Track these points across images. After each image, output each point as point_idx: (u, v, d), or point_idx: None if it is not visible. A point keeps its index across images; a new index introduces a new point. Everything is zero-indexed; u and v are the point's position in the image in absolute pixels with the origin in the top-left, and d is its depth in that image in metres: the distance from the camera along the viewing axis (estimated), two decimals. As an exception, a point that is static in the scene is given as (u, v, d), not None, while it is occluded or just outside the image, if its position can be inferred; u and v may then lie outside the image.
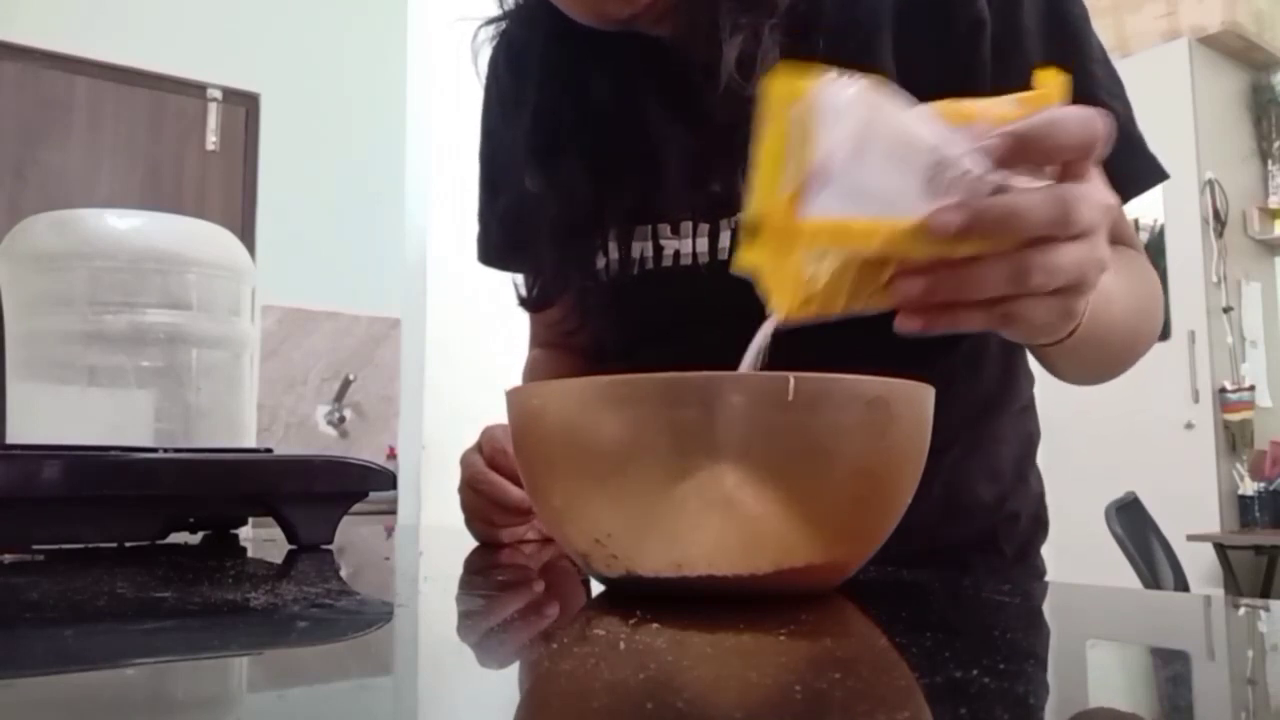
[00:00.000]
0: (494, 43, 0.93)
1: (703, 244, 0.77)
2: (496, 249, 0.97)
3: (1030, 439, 0.94)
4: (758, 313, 0.50)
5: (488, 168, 0.96)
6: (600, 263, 0.80)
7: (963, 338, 0.79)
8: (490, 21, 0.91)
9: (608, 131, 0.79)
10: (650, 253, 0.79)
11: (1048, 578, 1.11)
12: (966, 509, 0.84)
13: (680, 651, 0.39)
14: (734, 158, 0.61)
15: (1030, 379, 0.94)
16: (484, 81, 0.96)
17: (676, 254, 0.78)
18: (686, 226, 0.77)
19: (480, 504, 0.81)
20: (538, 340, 1.03)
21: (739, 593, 0.46)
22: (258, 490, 0.82)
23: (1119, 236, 0.74)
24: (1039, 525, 0.93)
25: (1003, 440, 0.89)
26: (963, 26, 0.71)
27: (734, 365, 0.49)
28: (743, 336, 0.50)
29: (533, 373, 1.01)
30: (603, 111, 0.79)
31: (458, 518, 0.86)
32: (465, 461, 0.83)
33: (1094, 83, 0.73)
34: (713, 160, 0.74)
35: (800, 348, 0.49)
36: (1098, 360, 0.76)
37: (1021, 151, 0.47)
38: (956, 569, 0.80)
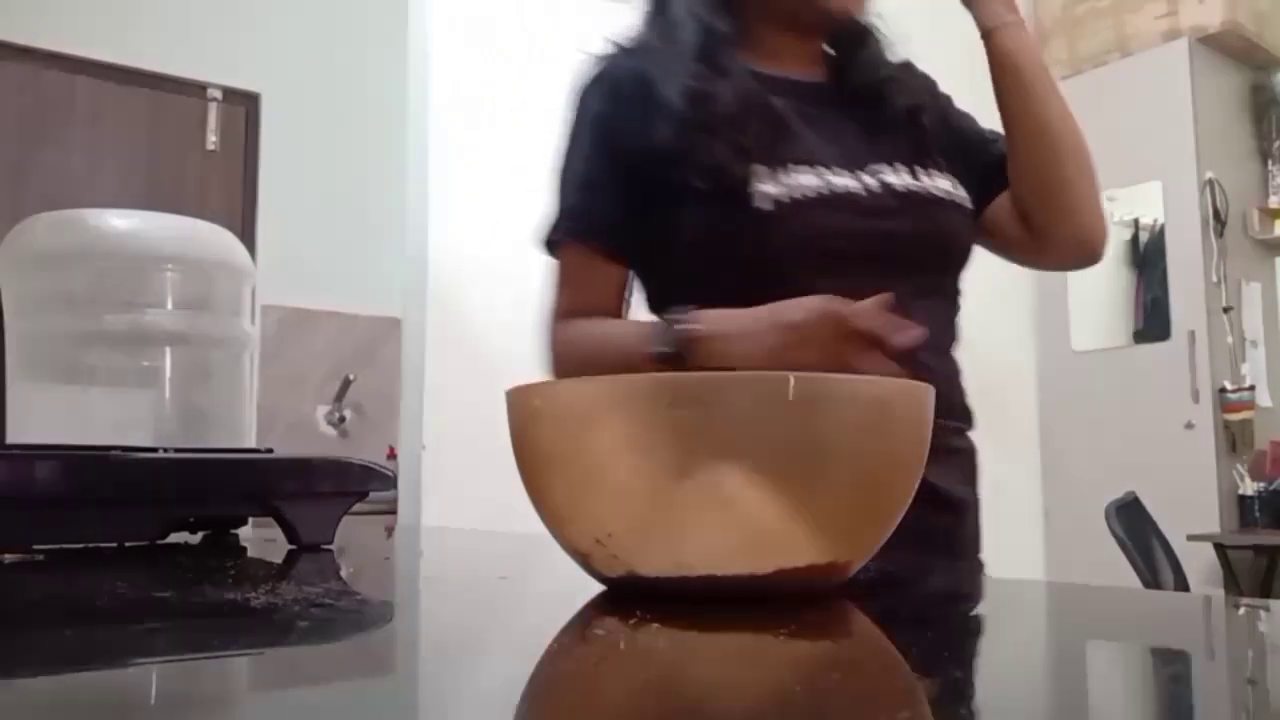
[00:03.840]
0: (597, 72, 1.09)
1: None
2: (601, 220, 1.05)
3: None
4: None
5: (599, 160, 1.05)
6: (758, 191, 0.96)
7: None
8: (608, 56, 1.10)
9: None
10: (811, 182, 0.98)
11: (1049, 578, 1.10)
12: None
13: (680, 651, 0.39)
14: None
15: None
16: (582, 104, 1.08)
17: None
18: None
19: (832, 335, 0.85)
20: (572, 310, 1.06)
21: (739, 593, 0.46)
22: (258, 490, 0.82)
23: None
24: None
25: None
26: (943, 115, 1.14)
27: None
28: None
29: (586, 334, 1.04)
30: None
31: (458, 518, 0.86)
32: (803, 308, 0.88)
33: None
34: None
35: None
36: (1063, 110, 1.04)
37: None
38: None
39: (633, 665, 0.36)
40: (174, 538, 0.84)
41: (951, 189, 1.04)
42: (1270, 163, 3.89)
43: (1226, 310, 3.61)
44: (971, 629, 0.48)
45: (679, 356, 0.91)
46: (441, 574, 0.77)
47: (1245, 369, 3.64)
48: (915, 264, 1.00)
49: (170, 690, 0.35)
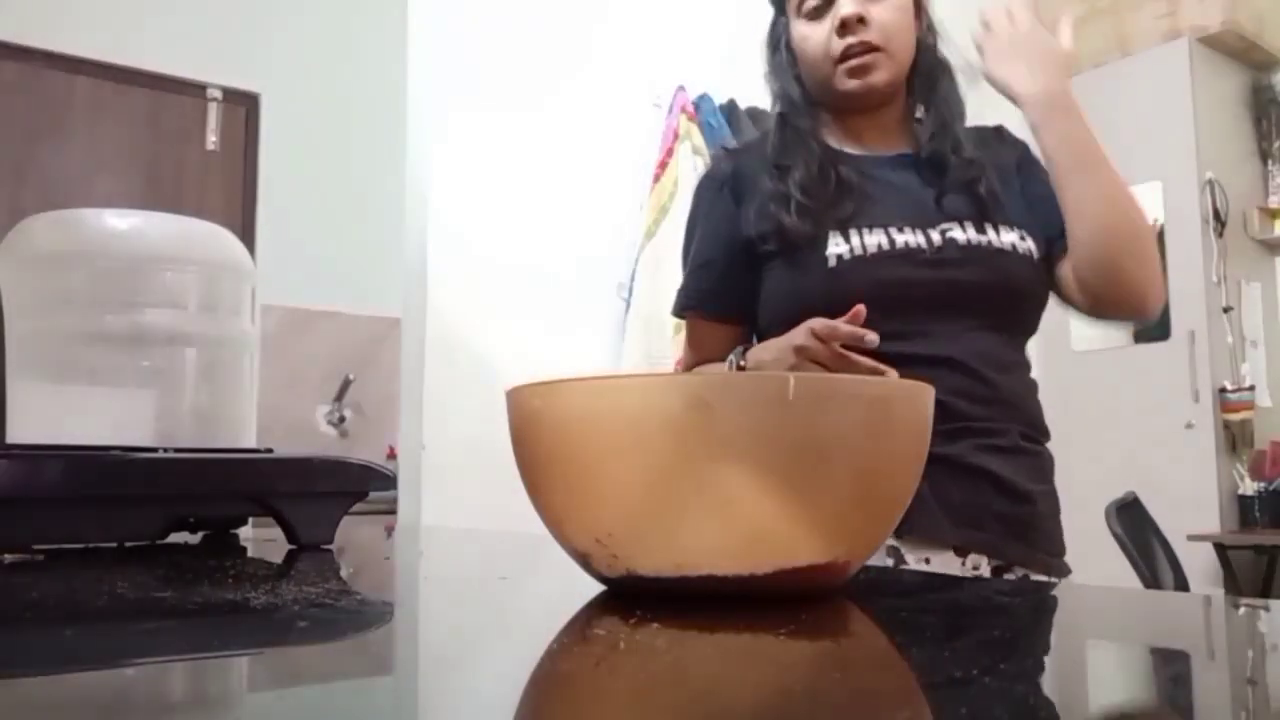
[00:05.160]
0: (714, 167, 1.37)
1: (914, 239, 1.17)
2: (709, 292, 1.28)
3: None
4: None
5: (708, 243, 1.29)
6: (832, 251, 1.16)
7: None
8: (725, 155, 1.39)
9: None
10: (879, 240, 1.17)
11: (1052, 578, 1.11)
12: None
13: (680, 651, 0.39)
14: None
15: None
16: (698, 197, 1.33)
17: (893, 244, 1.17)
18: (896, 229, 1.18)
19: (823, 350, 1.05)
20: (693, 364, 1.30)
21: (739, 593, 0.46)
22: (258, 490, 0.82)
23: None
24: None
25: None
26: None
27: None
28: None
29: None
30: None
31: (458, 518, 0.86)
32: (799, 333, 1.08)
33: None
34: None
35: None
36: (1100, 192, 1.15)
37: None
38: None
39: (633, 665, 0.36)
40: (174, 538, 0.84)
41: (1018, 241, 1.17)
42: (1270, 163, 3.89)
43: (1226, 310, 3.61)
44: (971, 629, 0.48)
45: None
46: (441, 574, 0.77)
47: (1245, 369, 3.64)
48: (977, 304, 1.14)
49: (170, 690, 0.35)
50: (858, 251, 1.14)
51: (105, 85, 3.63)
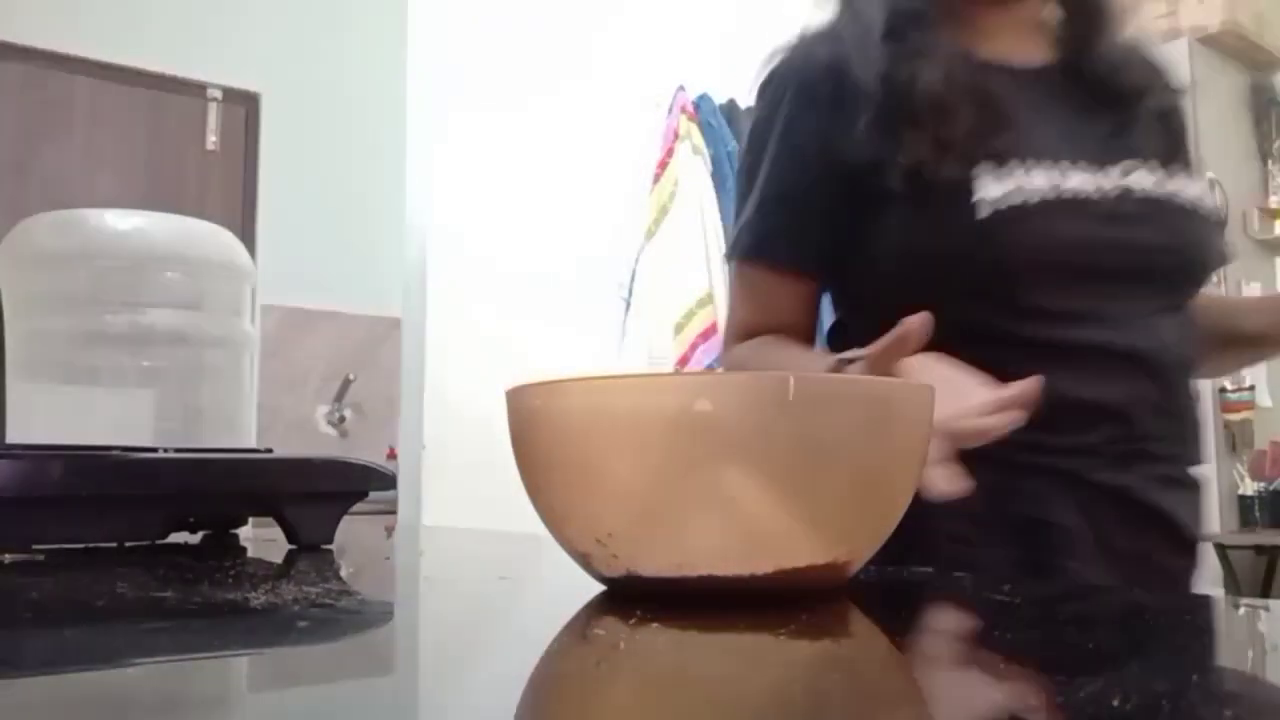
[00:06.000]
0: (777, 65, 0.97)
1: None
2: (784, 234, 0.94)
3: None
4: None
5: (788, 167, 0.94)
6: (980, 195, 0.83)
7: None
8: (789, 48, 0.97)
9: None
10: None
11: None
12: None
13: (680, 651, 0.39)
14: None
15: None
16: (768, 103, 0.96)
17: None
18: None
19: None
20: (753, 327, 0.97)
21: (739, 593, 0.46)
22: (258, 490, 0.82)
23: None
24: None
25: None
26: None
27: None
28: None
29: (760, 360, 0.93)
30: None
31: (458, 518, 0.86)
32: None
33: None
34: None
35: None
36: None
37: None
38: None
39: (633, 665, 0.36)
40: (174, 538, 0.84)
41: (1202, 196, 0.90)
42: (1270, 163, 3.89)
43: (1226, 310, 3.61)
44: (970, 629, 0.48)
45: None
46: (441, 574, 0.77)
47: (1245, 369, 3.64)
48: (1157, 280, 0.87)
49: (170, 690, 0.35)
50: (1017, 199, 0.83)
51: (105, 85, 3.63)
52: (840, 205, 0.89)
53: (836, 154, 0.88)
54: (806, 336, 0.97)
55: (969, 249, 0.83)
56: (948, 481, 0.62)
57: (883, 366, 0.69)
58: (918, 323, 0.67)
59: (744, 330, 0.97)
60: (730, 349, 0.99)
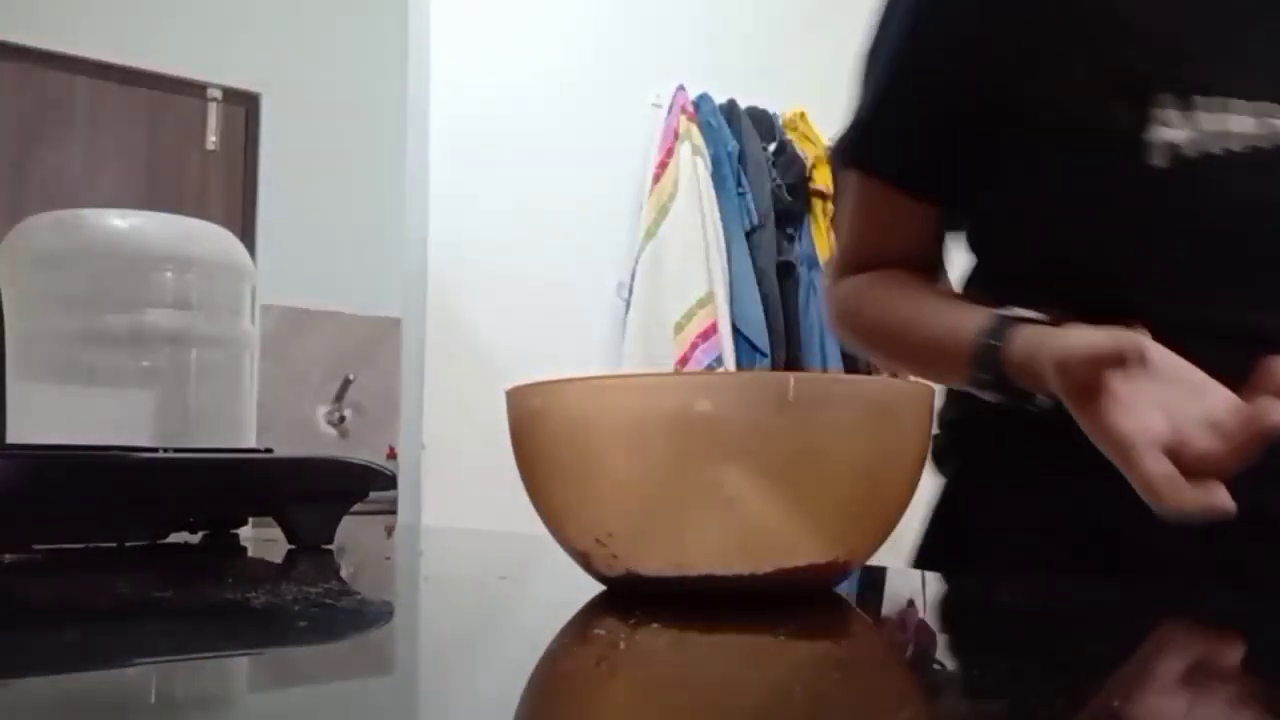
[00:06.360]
0: None
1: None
2: (914, 150, 0.77)
3: None
4: None
5: (915, 59, 0.75)
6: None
7: None
8: None
9: None
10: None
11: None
12: None
13: (680, 651, 0.39)
14: None
15: None
16: None
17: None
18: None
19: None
20: (868, 255, 0.80)
21: (739, 593, 0.46)
22: (258, 490, 0.82)
23: None
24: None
25: None
26: None
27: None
28: None
29: (886, 310, 0.79)
30: None
31: (458, 518, 0.86)
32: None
33: None
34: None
35: None
36: None
37: None
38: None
39: (633, 665, 0.36)
40: (174, 538, 0.84)
41: None
42: None
43: (1226, 310, 3.61)
44: (970, 629, 0.48)
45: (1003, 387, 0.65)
46: (441, 574, 0.77)
47: (1245, 369, 3.64)
48: None
49: (170, 690, 0.35)
50: (1204, 145, 0.64)
51: (105, 85, 3.63)
52: (981, 126, 0.72)
53: (996, 71, 0.70)
54: (931, 267, 0.81)
55: (1139, 206, 0.67)
56: (1211, 497, 0.51)
57: (1084, 373, 0.56)
58: (1135, 346, 0.54)
59: (857, 258, 0.80)
60: (841, 281, 0.82)
